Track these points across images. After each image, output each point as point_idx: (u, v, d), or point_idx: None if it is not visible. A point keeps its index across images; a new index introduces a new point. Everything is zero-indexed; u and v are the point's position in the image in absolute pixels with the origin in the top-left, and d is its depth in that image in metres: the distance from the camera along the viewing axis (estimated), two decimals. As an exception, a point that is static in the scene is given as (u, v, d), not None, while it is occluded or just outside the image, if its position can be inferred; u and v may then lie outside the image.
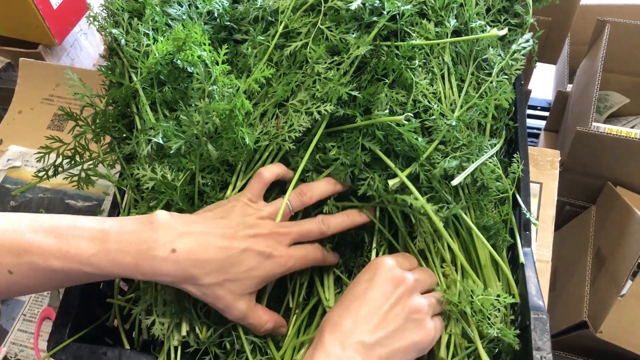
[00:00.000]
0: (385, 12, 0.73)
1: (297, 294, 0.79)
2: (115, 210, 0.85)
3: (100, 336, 0.81)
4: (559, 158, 1.18)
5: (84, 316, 0.78)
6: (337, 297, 0.81)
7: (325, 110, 0.70)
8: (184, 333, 0.72)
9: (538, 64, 0.94)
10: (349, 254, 0.81)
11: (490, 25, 0.86)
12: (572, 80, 1.75)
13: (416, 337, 0.61)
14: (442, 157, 0.72)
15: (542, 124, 1.89)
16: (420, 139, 0.68)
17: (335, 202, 0.77)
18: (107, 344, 0.83)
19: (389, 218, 0.79)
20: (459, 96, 0.78)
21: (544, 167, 1.18)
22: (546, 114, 1.87)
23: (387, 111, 0.70)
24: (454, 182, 0.70)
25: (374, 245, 0.79)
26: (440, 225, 0.69)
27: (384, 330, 0.59)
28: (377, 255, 0.78)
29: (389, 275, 0.63)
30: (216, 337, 0.74)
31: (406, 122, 0.67)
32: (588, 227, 1.43)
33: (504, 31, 0.72)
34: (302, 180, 0.77)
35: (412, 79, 0.72)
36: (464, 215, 0.72)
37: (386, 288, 0.62)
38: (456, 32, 0.83)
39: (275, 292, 0.80)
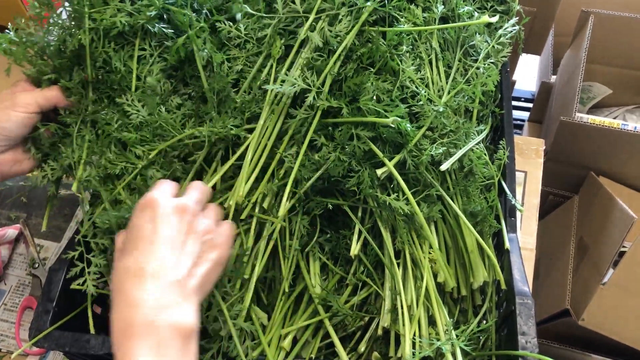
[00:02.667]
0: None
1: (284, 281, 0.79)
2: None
3: (82, 324, 0.80)
4: (544, 147, 1.19)
5: (66, 304, 0.77)
6: (323, 283, 0.80)
7: (317, 103, 0.70)
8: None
9: (522, 55, 0.94)
10: (335, 241, 0.81)
11: (477, 12, 0.86)
12: (556, 71, 1.76)
13: (215, 255, 0.61)
14: (430, 143, 0.72)
15: (526, 115, 1.90)
16: (409, 125, 0.68)
17: (321, 199, 0.76)
18: (88, 331, 0.82)
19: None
20: (447, 82, 0.78)
21: (529, 156, 1.18)
22: (530, 105, 1.89)
23: (373, 99, 0.70)
24: (443, 167, 0.70)
25: (355, 235, 0.78)
26: (426, 227, 0.69)
27: (188, 262, 0.57)
28: (357, 244, 0.78)
29: (168, 209, 0.59)
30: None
31: (394, 121, 0.67)
32: (571, 216, 1.44)
33: (496, 18, 0.72)
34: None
35: (399, 67, 0.72)
36: (452, 202, 0.72)
37: (173, 221, 0.58)
38: (443, 19, 0.83)
39: (264, 278, 0.79)
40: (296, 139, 0.73)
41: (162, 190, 0.62)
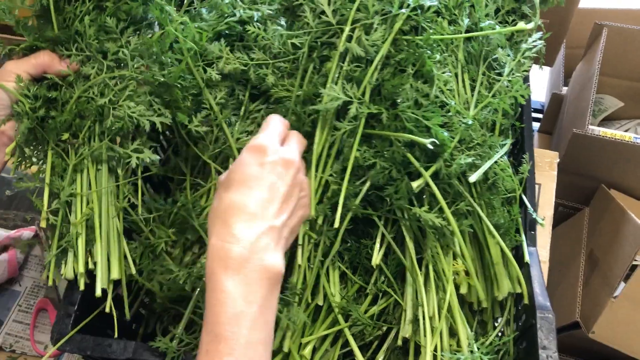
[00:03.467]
0: (410, 3, 0.73)
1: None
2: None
3: (102, 327, 0.80)
4: (558, 160, 1.19)
5: (86, 307, 0.77)
6: (342, 292, 0.81)
7: (359, 114, 0.71)
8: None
9: (533, 65, 0.95)
10: (354, 249, 0.81)
11: (499, 25, 0.86)
12: (567, 82, 1.77)
13: (302, 213, 0.66)
14: (459, 154, 0.73)
15: (535, 126, 1.91)
16: (446, 133, 0.69)
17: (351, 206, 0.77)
18: (109, 335, 0.82)
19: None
20: (472, 95, 0.79)
21: (543, 168, 1.19)
22: (539, 115, 1.89)
23: (411, 104, 0.71)
24: (472, 179, 0.70)
25: (377, 245, 0.78)
26: (460, 240, 0.70)
27: (286, 212, 0.60)
28: (378, 253, 0.78)
29: (277, 158, 0.61)
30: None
31: (432, 142, 0.68)
32: (581, 228, 1.44)
33: (531, 24, 0.73)
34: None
35: (434, 70, 0.72)
36: (482, 214, 0.72)
37: (281, 172, 0.61)
38: (467, 32, 0.83)
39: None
40: (344, 152, 0.74)
41: (272, 135, 0.64)
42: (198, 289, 0.78)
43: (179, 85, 0.76)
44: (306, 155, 0.74)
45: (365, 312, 0.79)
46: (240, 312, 0.53)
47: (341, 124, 0.73)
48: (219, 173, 0.84)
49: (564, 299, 1.37)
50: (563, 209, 1.56)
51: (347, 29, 0.75)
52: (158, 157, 0.79)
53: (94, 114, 0.76)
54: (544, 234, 1.13)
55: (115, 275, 0.76)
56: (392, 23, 0.74)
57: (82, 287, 0.75)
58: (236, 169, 0.60)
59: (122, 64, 0.78)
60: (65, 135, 0.76)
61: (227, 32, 0.84)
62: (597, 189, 1.44)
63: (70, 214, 0.76)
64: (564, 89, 1.76)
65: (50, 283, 0.76)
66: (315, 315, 0.79)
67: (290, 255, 0.77)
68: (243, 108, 0.86)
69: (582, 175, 1.45)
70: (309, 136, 0.76)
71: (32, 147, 0.78)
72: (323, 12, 0.78)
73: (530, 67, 0.87)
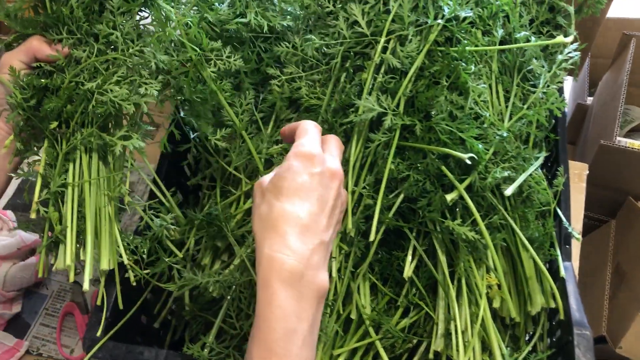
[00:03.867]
0: (446, 14, 0.73)
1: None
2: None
3: (131, 334, 0.80)
4: (587, 172, 1.18)
5: (117, 314, 0.77)
6: (372, 303, 0.80)
7: (394, 125, 0.71)
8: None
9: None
10: (385, 260, 0.81)
11: (533, 37, 0.86)
12: (592, 92, 1.75)
13: (340, 227, 0.65)
14: (493, 167, 0.72)
15: (558, 135, 1.88)
16: (480, 145, 0.68)
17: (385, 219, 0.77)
18: (137, 342, 0.82)
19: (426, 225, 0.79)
20: (506, 106, 0.78)
21: (572, 180, 1.17)
22: (563, 125, 1.87)
23: (446, 117, 0.70)
24: (507, 192, 0.69)
25: (409, 257, 0.78)
26: (494, 254, 0.70)
27: (332, 227, 0.60)
28: (410, 265, 0.77)
29: (326, 169, 0.59)
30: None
31: (470, 157, 0.67)
32: (607, 241, 1.42)
33: (570, 38, 0.72)
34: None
35: (469, 82, 0.72)
36: (516, 228, 0.71)
37: (329, 185, 0.60)
38: (501, 43, 0.83)
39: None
40: (378, 164, 0.74)
41: (316, 142, 0.62)
42: (228, 297, 0.77)
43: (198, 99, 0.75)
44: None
45: (396, 324, 0.78)
46: (294, 329, 0.52)
47: (375, 136, 0.73)
48: (248, 182, 0.84)
49: (590, 313, 1.34)
50: (588, 221, 1.54)
51: (382, 40, 0.74)
52: (144, 144, 0.76)
53: (82, 99, 0.73)
54: (573, 248, 1.12)
55: (104, 265, 0.73)
56: (426, 34, 0.74)
57: (71, 279, 0.72)
58: (286, 176, 0.58)
59: (114, 48, 0.75)
60: (54, 124, 0.73)
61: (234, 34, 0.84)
62: (624, 202, 1.42)
63: (63, 205, 0.73)
64: (589, 99, 1.74)
65: (40, 274, 0.74)
66: (346, 327, 0.78)
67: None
68: (274, 116, 0.86)
69: (608, 187, 1.43)
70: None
71: (28, 138, 0.76)
72: (356, 22, 0.78)
73: (565, 78, 0.86)
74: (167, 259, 0.79)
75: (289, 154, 0.60)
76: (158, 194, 0.83)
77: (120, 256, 0.76)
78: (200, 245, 0.86)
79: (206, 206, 0.88)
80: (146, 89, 0.73)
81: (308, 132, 0.63)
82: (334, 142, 0.65)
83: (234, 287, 0.76)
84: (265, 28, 0.82)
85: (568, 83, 2.00)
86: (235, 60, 0.77)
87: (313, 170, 0.58)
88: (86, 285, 0.71)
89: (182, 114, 0.86)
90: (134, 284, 0.77)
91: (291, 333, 0.52)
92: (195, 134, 0.90)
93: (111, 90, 0.72)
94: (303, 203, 0.57)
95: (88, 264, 0.72)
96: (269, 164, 0.83)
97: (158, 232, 0.78)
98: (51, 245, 0.74)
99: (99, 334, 0.73)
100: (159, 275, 0.81)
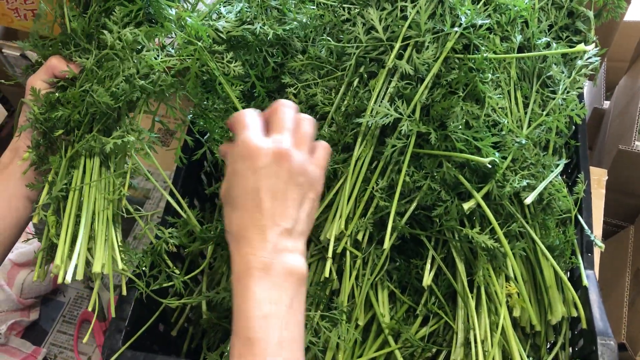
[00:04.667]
0: (463, 23, 0.72)
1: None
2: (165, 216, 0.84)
3: (150, 343, 0.80)
4: (606, 177, 1.16)
5: (136, 322, 0.77)
6: (391, 312, 0.79)
7: (408, 131, 0.70)
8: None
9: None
10: (404, 269, 0.80)
11: (553, 42, 0.85)
12: (609, 97, 1.73)
13: (313, 194, 0.61)
14: (512, 174, 0.71)
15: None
16: (497, 153, 0.67)
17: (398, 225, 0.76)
18: (155, 350, 0.82)
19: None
20: (525, 113, 0.77)
21: (591, 186, 1.16)
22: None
23: (462, 126, 0.69)
24: (527, 201, 0.69)
25: (428, 265, 0.77)
26: (514, 263, 0.68)
27: (293, 208, 0.59)
28: (429, 273, 0.77)
29: (268, 157, 0.58)
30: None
31: (491, 161, 0.66)
32: (626, 247, 1.40)
33: (591, 46, 0.71)
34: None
35: (484, 94, 0.71)
36: (535, 236, 0.70)
37: (275, 171, 0.58)
38: (519, 49, 0.82)
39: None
40: (391, 170, 0.74)
41: (255, 130, 0.60)
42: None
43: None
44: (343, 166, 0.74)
45: (415, 333, 0.77)
46: (270, 313, 0.53)
47: (390, 140, 0.72)
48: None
49: (609, 320, 1.32)
50: (606, 227, 1.52)
51: (397, 45, 0.74)
52: (133, 139, 0.74)
53: (85, 105, 0.73)
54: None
55: (97, 268, 0.71)
56: (443, 41, 0.74)
57: (60, 280, 0.69)
58: (233, 184, 0.59)
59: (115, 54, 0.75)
60: (59, 132, 0.74)
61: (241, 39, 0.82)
62: (643, 207, 1.41)
63: (64, 210, 0.73)
64: (605, 104, 1.72)
65: (35, 278, 0.75)
66: (365, 335, 0.78)
67: (338, 274, 0.76)
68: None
69: (626, 192, 1.41)
70: (350, 149, 0.75)
71: (45, 152, 0.77)
72: (372, 28, 0.78)
73: (585, 84, 0.85)
74: (168, 271, 0.78)
75: (231, 154, 0.60)
76: (173, 203, 0.82)
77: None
78: (217, 253, 0.86)
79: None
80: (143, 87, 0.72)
81: (246, 125, 0.60)
82: (286, 113, 0.62)
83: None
84: (270, 36, 0.80)
85: (585, 88, 1.98)
86: (235, 66, 0.76)
87: (257, 165, 0.57)
88: (61, 279, 0.69)
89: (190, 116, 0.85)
90: (143, 293, 0.76)
91: (268, 317, 0.53)
92: (206, 136, 0.88)
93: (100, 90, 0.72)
94: (257, 204, 0.57)
95: (74, 260, 0.70)
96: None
97: (157, 245, 0.77)
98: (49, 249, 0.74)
99: (119, 344, 0.73)
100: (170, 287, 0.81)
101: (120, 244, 0.74)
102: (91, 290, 1.07)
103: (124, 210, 0.77)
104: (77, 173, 0.73)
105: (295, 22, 0.82)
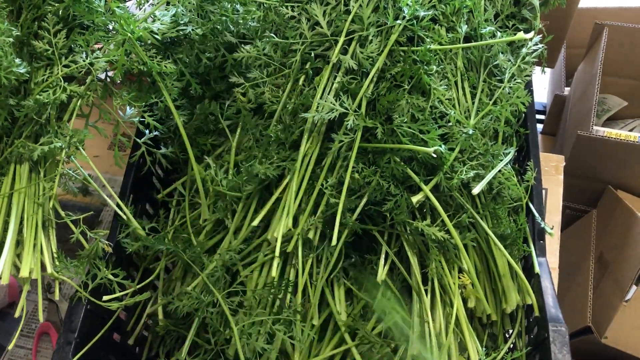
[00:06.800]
0: (406, 15, 0.72)
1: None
2: (117, 222, 0.82)
3: (104, 354, 0.78)
4: (564, 163, 1.17)
5: (86, 334, 0.75)
6: (348, 309, 0.79)
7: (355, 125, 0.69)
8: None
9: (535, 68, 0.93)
10: (359, 265, 0.79)
11: (499, 31, 0.85)
12: (569, 83, 1.75)
13: None
14: (460, 165, 0.71)
15: (537, 127, 1.88)
16: (443, 146, 0.67)
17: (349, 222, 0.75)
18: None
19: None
20: (473, 103, 0.77)
21: (549, 173, 1.17)
22: (541, 117, 1.87)
23: (407, 119, 0.69)
24: (475, 191, 0.69)
25: (382, 260, 0.76)
26: (464, 253, 0.68)
27: None
28: (383, 268, 0.76)
29: None
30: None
31: (436, 151, 0.66)
32: (589, 231, 1.42)
33: (531, 34, 0.71)
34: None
35: (430, 84, 0.71)
36: (485, 226, 0.70)
37: None
38: (466, 38, 0.82)
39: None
40: (340, 166, 0.73)
41: None
42: (198, 314, 0.76)
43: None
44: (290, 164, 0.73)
45: (372, 329, 0.77)
46: None
47: (337, 136, 0.72)
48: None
49: (575, 304, 1.34)
50: (570, 212, 1.53)
51: (341, 40, 0.73)
52: (61, 144, 0.73)
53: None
54: (553, 240, 1.11)
55: (24, 273, 0.71)
56: (387, 35, 0.73)
57: None
58: None
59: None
60: None
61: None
62: (604, 191, 1.42)
63: None
64: (566, 90, 1.74)
65: None
66: (322, 335, 0.77)
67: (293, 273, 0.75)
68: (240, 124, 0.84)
69: (588, 177, 1.43)
70: (298, 147, 0.74)
71: None
72: (317, 24, 0.77)
73: (532, 71, 0.85)
74: (106, 273, 0.76)
75: None
76: (116, 209, 0.80)
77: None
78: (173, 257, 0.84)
79: (176, 219, 0.86)
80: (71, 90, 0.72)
81: None
82: None
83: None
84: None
85: (546, 74, 2.00)
86: (167, 64, 0.74)
87: None
88: None
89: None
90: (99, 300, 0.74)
91: None
92: (143, 138, 0.86)
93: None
94: None
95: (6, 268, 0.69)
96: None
97: (88, 249, 0.75)
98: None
99: (69, 356, 0.72)
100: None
101: (53, 249, 0.72)
102: (50, 302, 1.05)
103: (55, 215, 0.75)
104: (6, 180, 0.72)
105: (225, 18, 0.80)
